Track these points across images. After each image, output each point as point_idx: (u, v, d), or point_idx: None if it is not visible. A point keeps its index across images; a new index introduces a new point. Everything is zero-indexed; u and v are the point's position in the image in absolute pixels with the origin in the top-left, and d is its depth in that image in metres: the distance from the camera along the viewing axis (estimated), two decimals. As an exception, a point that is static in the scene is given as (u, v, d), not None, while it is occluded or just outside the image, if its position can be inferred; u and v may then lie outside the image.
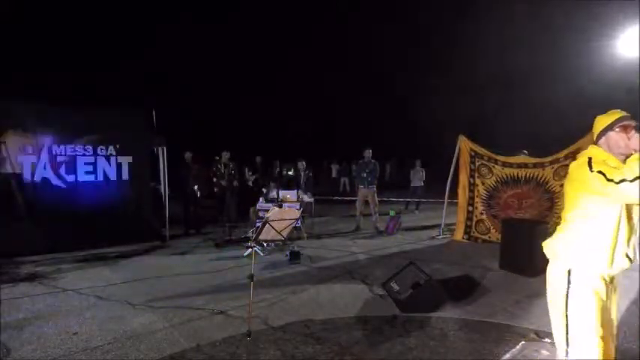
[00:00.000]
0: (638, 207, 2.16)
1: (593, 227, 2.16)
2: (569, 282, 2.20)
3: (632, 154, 2.10)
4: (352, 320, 4.18)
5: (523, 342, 3.55)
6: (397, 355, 3.45)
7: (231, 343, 3.66)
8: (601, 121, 2.30)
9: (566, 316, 2.19)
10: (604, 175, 2.04)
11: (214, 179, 9.01)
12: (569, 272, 2.22)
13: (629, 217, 2.16)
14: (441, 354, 3.45)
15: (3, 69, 15.92)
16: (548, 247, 2.37)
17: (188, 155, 9.13)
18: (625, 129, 2.18)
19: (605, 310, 2.17)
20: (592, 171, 2.09)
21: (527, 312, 4.31)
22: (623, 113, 2.25)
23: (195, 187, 8.90)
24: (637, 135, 2.12)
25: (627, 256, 2.16)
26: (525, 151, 8.37)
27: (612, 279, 2.23)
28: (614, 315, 2.27)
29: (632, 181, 1.93)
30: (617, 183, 1.98)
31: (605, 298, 2.17)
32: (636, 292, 4.62)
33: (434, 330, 3.91)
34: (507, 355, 3.36)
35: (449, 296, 4.65)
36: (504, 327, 3.95)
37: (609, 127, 2.23)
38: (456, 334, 3.82)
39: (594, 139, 2.32)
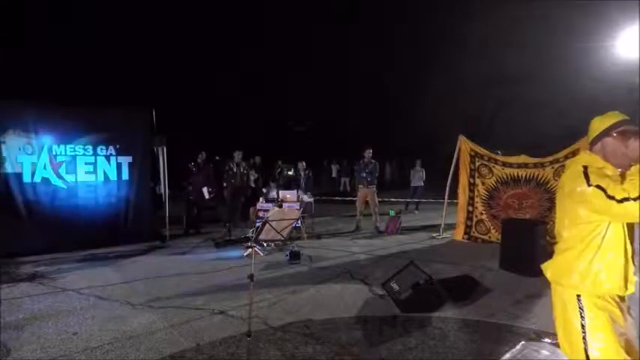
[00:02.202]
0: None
1: (597, 247, 1.92)
2: (581, 309, 1.96)
3: (631, 165, 1.88)
4: (352, 320, 4.18)
5: (523, 342, 3.54)
6: (397, 355, 3.45)
7: (231, 343, 3.66)
8: (597, 125, 2.04)
9: (586, 350, 1.93)
10: (604, 190, 1.80)
11: (226, 179, 8.87)
12: (578, 298, 1.97)
13: (631, 230, 1.94)
14: (440, 354, 3.45)
15: (3, 69, 15.92)
16: (550, 270, 2.12)
17: (203, 155, 8.95)
18: (623, 135, 1.93)
19: (622, 334, 1.96)
20: (590, 185, 1.84)
21: (527, 312, 4.31)
22: (622, 116, 1.99)
23: (205, 188, 8.80)
24: (637, 143, 1.88)
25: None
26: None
27: (622, 297, 2.02)
28: (634, 334, 2.03)
29: (635, 199, 1.71)
30: (620, 202, 1.75)
31: (621, 322, 1.96)
32: (636, 292, 4.62)
33: (434, 330, 3.91)
34: (507, 355, 3.36)
35: (449, 296, 4.65)
36: (504, 327, 3.95)
37: (605, 132, 1.98)
38: (456, 334, 3.82)
39: (589, 143, 2.08)
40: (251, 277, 3.67)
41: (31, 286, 5.39)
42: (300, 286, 5.27)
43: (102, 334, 3.89)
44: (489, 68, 22.03)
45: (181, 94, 23.80)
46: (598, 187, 1.81)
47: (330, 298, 4.86)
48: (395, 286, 4.58)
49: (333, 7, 28.53)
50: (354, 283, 5.41)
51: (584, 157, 2.03)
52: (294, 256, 6.49)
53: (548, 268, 2.13)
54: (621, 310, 1.98)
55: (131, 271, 6.14)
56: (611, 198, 1.76)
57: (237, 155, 8.91)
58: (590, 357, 1.92)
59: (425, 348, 3.54)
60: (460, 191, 8.21)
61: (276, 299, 4.80)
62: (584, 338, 1.94)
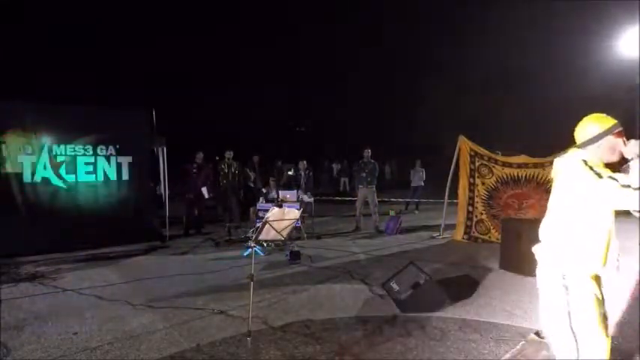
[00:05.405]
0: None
1: (589, 230, 2.16)
2: (566, 288, 2.18)
3: (624, 161, 2.15)
4: (352, 320, 4.18)
5: (523, 342, 3.54)
6: (397, 355, 3.44)
7: (231, 343, 3.65)
8: (594, 126, 2.24)
9: (571, 324, 2.16)
10: (615, 180, 1.99)
11: (219, 179, 8.88)
12: (563, 277, 2.20)
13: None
14: (440, 354, 3.44)
15: (3, 69, 15.93)
16: (540, 252, 2.40)
17: (200, 155, 8.95)
18: (620, 135, 2.20)
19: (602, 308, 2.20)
20: (601, 177, 2.02)
21: (527, 312, 4.30)
22: (612, 119, 2.24)
23: (204, 188, 8.79)
24: (634, 141, 2.11)
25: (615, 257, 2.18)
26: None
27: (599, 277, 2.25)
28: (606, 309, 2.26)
29: (636, 189, 1.93)
30: (630, 188, 1.95)
31: (600, 297, 2.20)
32: (636, 291, 4.61)
33: (434, 330, 3.91)
34: (507, 355, 3.36)
35: (449, 296, 4.64)
36: (504, 327, 3.95)
37: (607, 132, 2.20)
38: (456, 334, 3.81)
39: (580, 142, 2.27)
40: (251, 277, 3.67)
41: (31, 286, 5.38)
42: (300, 286, 5.27)
43: (102, 334, 3.89)
44: (490, 68, 22.03)
45: (181, 94, 23.80)
46: (609, 177, 2.02)
47: (330, 298, 4.86)
48: (395, 286, 4.58)
49: (335, 7, 28.53)
50: (354, 283, 5.41)
51: (579, 153, 2.23)
52: (294, 256, 6.49)
53: (539, 250, 2.44)
54: (600, 286, 2.20)
55: (131, 271, 6.13)
56: (626, 187, 1.96)
57: (229, 155, 8.88)
58: (577, 334, 2.15)
59: (425, 348, 3.54)
60: (460, 191, 8.21)
61: (276, 299, 4.80)
62: (569, 314, 2.17)
